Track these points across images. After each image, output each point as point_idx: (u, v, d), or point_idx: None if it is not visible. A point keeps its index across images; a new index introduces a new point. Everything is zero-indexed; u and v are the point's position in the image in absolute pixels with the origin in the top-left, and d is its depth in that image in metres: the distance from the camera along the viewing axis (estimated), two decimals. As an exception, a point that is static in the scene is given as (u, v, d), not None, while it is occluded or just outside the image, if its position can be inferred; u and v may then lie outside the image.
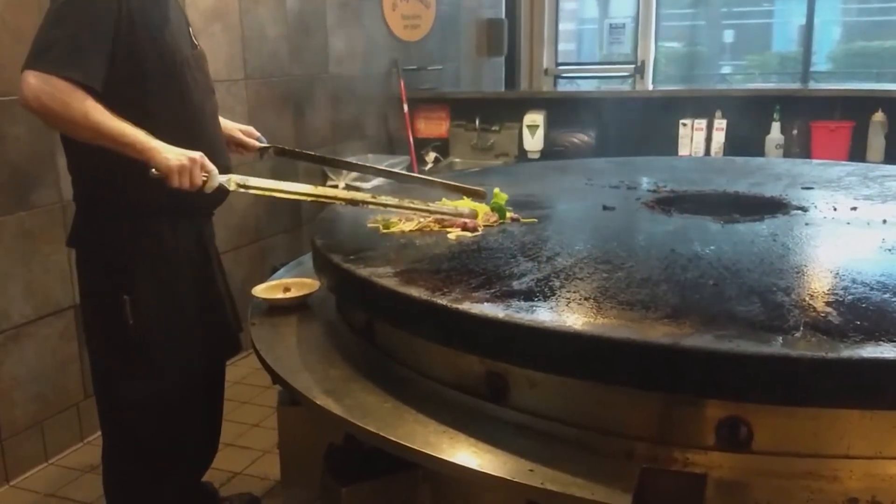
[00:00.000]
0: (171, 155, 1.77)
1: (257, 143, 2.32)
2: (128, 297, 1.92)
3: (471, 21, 6.01)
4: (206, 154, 1.85)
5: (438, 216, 1.96)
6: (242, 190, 1.88)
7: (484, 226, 1.92)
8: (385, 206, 1.98)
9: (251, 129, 2.35)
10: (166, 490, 2.09)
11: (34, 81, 1.70)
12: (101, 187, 1.94)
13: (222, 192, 1.88)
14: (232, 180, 1.86)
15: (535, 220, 1.99)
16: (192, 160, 1.78)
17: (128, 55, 1.82)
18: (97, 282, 1.99)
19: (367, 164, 2.55)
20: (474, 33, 6.08)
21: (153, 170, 1.76)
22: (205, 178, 1.81)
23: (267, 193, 1.93)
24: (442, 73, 5.46)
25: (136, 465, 2.07)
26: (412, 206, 1.98)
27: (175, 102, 1.93)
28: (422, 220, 1.96)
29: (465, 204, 2.03)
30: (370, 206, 2.00)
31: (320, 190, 2.00)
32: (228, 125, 2.30)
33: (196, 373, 2.09)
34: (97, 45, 1.76)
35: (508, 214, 1.99)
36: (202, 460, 2.28)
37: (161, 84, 1.89)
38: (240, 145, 2.31)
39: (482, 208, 2.00)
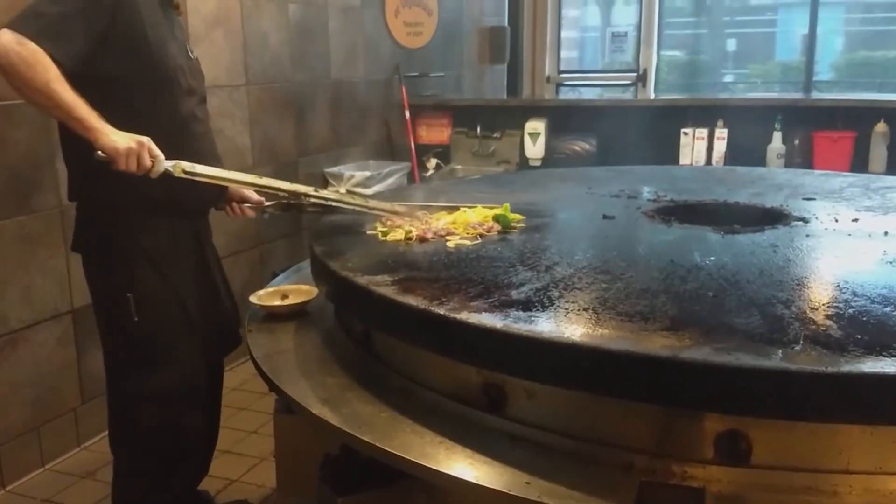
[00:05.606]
0: (118, 137, 1.76)
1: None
2: (131, 295, 1.97)
3: (473, 28, 6.02)
4: (197, 157, 1.87)
5: (387, 214, 2.07)
6: (188, 176, 1.87)
7: (482, 234, 1.91)
8: (328, 201, 2.09)
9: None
10: (167, 495, 2.10)
11: (9, 38, 1.70)
12: (97, 185, 1.96)
13: (212, 191, 1.91)
14: (178, 166, 1.86)
15: (521, 216, 2.01)
16: (140, 143, 1.78)
17: (124, 60, 1.86)
18: (103, 282, 2.04)
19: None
20: (477, 40, 6.08)
21: (98, 152, 1.76)
22: (151, 163, 1.80)
23: (212, 181, 1.94)
24: (444, 79, 5.46)
25: (143, 463, 2.10)
26: (353, 202, 2.11)
27: (167, 105, 1.97)
28: (422, 226, 1.95)
29: (475, 212, 2.02)
30: (313, 201, 2.08)
31: (265, 180, 2.05)
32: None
33: (198, 366, 2.13)
34: (83, 29, 1.77)
35: (513, 224, 1.98)
36: (203, 459, 2.30)
37: (154, 88, 1.93)
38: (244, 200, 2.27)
39: (485, 215, 1.99)
